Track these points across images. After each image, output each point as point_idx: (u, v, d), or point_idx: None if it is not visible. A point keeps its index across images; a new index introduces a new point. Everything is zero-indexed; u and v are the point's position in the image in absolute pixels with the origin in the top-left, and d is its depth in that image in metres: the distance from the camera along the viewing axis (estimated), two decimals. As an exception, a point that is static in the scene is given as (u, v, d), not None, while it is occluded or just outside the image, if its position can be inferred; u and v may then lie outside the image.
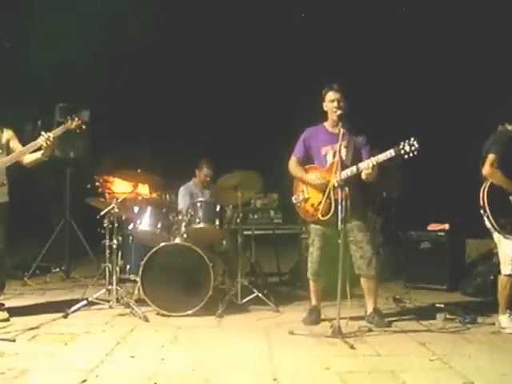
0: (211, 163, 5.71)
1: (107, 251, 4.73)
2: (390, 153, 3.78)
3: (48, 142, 4.02)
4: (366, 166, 3.83)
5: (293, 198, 4.26)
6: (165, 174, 5.67)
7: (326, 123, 4.22)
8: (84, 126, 4.36)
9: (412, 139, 3.70)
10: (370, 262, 4.00)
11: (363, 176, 3.90)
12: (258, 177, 4.83)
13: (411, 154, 3.69)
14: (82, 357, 3.22)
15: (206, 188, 5.62)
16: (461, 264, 5.68)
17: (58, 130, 4.19)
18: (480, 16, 7.01)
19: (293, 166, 4.26)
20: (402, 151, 3.72)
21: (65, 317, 4.23)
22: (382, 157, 3.81)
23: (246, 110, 9.10)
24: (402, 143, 3.72)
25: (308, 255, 4.24)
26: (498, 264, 4.01)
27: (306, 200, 4.14)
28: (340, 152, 3.92)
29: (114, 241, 4.69)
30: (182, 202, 5.48)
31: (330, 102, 4.08)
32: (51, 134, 4.05)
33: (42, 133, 4.07)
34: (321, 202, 3.96)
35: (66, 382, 2.83)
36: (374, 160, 3.82)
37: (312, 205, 4.09)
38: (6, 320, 4.08)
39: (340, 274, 3.57)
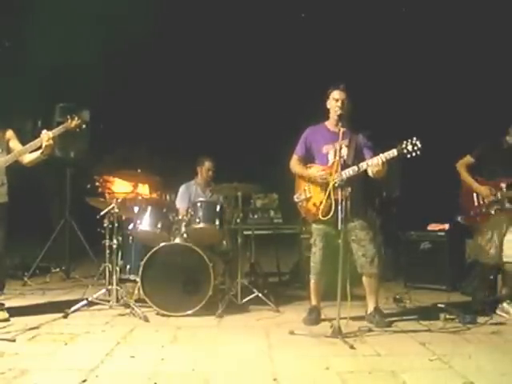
0: (212, 159, 5.65)
1: (107, 251, 4.73)
2: (393, 152, 3.76)
3: (50, 141, 4.03)
4: (376, 162, 3.81)
5: (294, 197, 4.25)
6: (164, 174, 5.66)
7: (327, 122, 4.23)
8: (84, 126, 4.37)
9: (414, 139, 3.68)
10: (372, 260, 4.00)
11: (371, 173, 3.89)
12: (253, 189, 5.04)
13: (414, 154, 3.67)
14: (82, 357, 3.22)
15: (207, 187, 5.58)
16: (461, 264, 5.68)
17: (58, 129, 4.20)
18: (480, 15, 7.02)
19: (294, 163, 4.26)
20: (405, 151, 3.70)
21: (65, 317, 4.22)
22: (385, 156, 3.80)
23: (247, 110, 9.10)
24: (405, 143, 3.71)
25: (310, 255, 4.23)
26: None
27: (308, 199, 4.13)
28: (341, 151, 3.92)
29: (114, 241, 4.69)
30: (180, 201, 5.45)
31: (335, 100, 4.08)
32: (51, 134, 4.06)
33: (44, 130, 4.08)
34: (322, 202, 3.96)
35: (66, 382, 2.83)
36: (383, 157, 3.80)
37: (314, 204, 4.08)
38: (6, 320, 4.07)
39: (340, 273, 3.57)
